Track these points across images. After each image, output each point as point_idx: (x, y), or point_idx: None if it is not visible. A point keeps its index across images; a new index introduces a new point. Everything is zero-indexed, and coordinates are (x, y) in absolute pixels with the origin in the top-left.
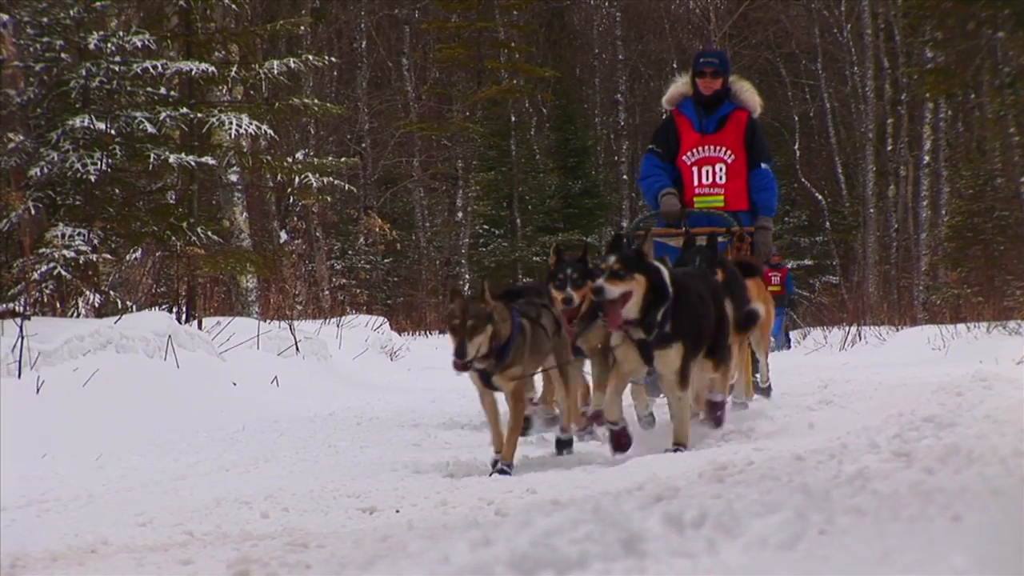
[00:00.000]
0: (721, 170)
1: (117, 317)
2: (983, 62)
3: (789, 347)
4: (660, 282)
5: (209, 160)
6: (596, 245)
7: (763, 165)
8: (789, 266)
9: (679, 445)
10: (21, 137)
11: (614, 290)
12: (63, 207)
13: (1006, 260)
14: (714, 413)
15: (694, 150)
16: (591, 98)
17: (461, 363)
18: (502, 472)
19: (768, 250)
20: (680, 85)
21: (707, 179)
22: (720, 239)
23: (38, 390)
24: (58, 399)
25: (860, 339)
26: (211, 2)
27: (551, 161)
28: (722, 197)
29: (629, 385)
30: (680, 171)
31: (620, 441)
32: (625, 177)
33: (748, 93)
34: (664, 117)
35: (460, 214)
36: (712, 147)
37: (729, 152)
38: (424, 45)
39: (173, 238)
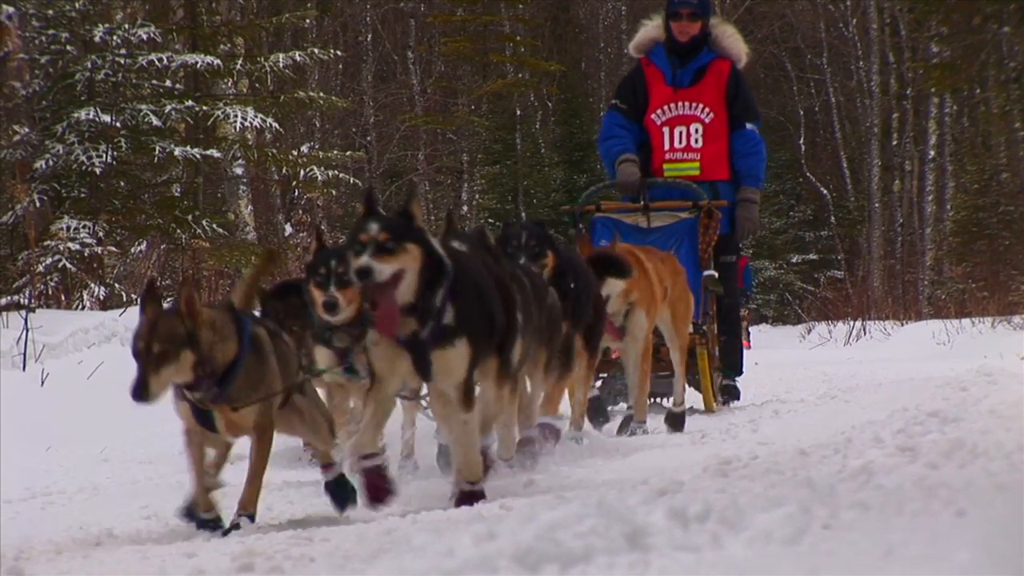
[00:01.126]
0: (697, 131)
1: (122, 310)
2: (989, 57)
3: (748, 346)
4: (436, 254)
5: (214, 153)
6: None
7: (748, 126)
8: (794, 259)
9: (471, 483)
10: (26, 129)
11: (385, 268)
12: (68, 200)
13: (1011, 255)
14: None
15: (665, 108)
16: (596, 92)
17: (142, 402)
18: (236, 527)
19: (753, 228)
20: (651, 28)
21: (680, 142)
22: (685, 215)
23: (43, 382)
24: (62, 392)
25: (865, 334)
26: None
27: (556, 155)
28: (697, 164)
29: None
30: (648, 132)
31: (375, 486)
32: None
33: (731, 39)
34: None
35: (465, 208)
36: (687, 104)
37: (707, 110)
38: (429, 39)
39: (178, 231)
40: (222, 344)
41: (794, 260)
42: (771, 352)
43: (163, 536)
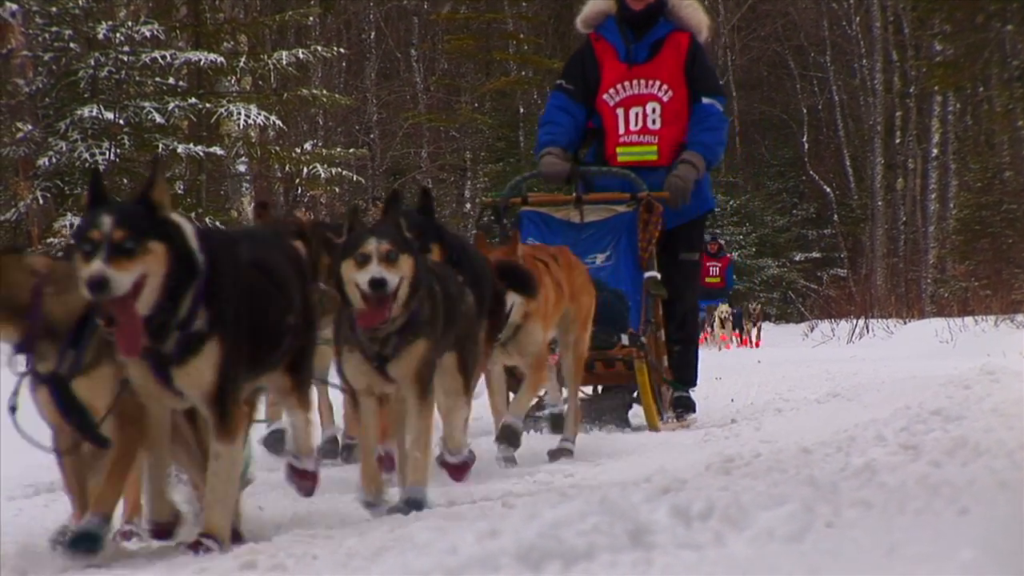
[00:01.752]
0: (655, 111)
1: None
2: (992, 55)
3: (759, 344)
4: (185, 250)
5: (217, 150)
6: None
7: (706, 100)
8: (797, 257)
9: (208, 536)
10: (29, 127)
11: (124, 279)
12: (71, 197)
13: (1014, 253)
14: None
15: (619, 87)
16: None
17: None
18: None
19: (679, 194)
20: (599, 0)
21: (635, 124)
22: (622, 209)
23: None
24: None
25: (868, 332)
26: None
27: None
28: (655, 148)
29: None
30: (601, 115)
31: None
32: None
33: (689, 8)
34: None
35: (468, 205)
36: (643, 82)
37: (665, 88)
38: (433, 36)
39: None
40: (61, 294)
41: (797, 258)
42: (774, 350)
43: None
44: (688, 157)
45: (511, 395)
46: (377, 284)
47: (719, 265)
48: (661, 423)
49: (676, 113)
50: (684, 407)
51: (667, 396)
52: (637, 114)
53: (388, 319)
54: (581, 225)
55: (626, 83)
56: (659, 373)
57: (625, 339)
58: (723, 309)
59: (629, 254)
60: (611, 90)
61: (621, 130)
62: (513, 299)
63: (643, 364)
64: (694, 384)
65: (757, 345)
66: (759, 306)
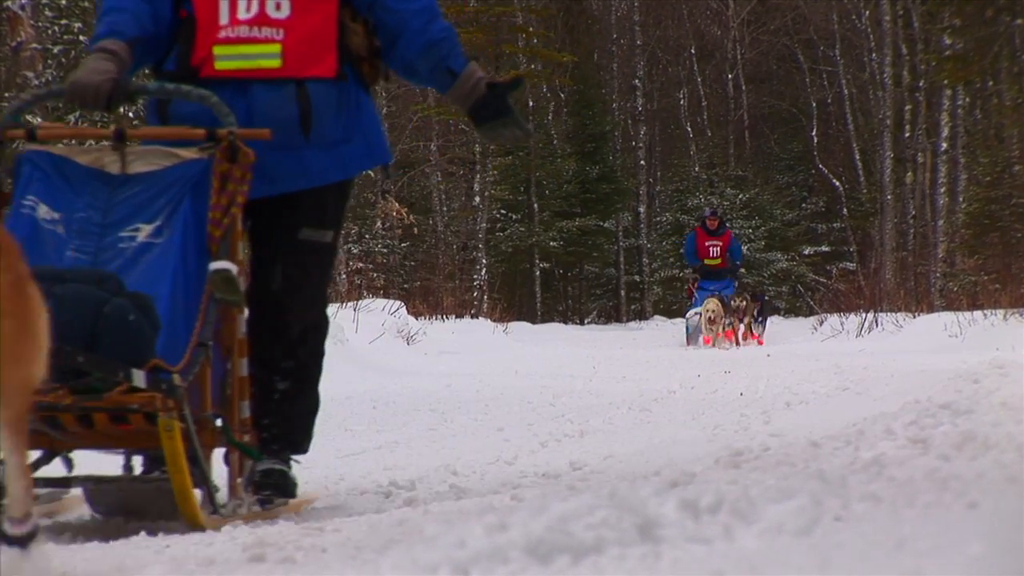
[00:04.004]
0: None
1: None
2: (1001, 49)
3: (761, 342)
4: None
5: None
6: (611, 229)
7: None
8: (806, 251)
9: None
10: (39, 119)
11: None
12: None
13: (1023, 247)
14: None
15: None
16: (609, 83)
17: None
18: None
19: (513, 135)
20: None
21: (248, 10)
22: (191, 154)
23: None
24: None
25: (877, 326)
26: None
27: (569, 146)
28: (277, 47)
29: None
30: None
31: None
32: (643, 163)
33: None
34: None
35: (477, 199)
36: None
37: None
38: None
39: None
40: None
41: (806, 252)
42: (783, 344)
43: (174, 525)
44: (472, 71)
45: None
46: None
47: (719, 244)
48: (228, 511)
49: None
50: (275, 489)
51: (243, 467)
52: None
53: None
54: (122, 178)
55: None
56: (213, 433)
57: (140, 378)
58: (710, 308)
59: (192, 227)
60: None
61: (224, 19)
62: None
63: (174, 422)
64: (302, 449)
65: (760, 343)
66: (744, 301)
